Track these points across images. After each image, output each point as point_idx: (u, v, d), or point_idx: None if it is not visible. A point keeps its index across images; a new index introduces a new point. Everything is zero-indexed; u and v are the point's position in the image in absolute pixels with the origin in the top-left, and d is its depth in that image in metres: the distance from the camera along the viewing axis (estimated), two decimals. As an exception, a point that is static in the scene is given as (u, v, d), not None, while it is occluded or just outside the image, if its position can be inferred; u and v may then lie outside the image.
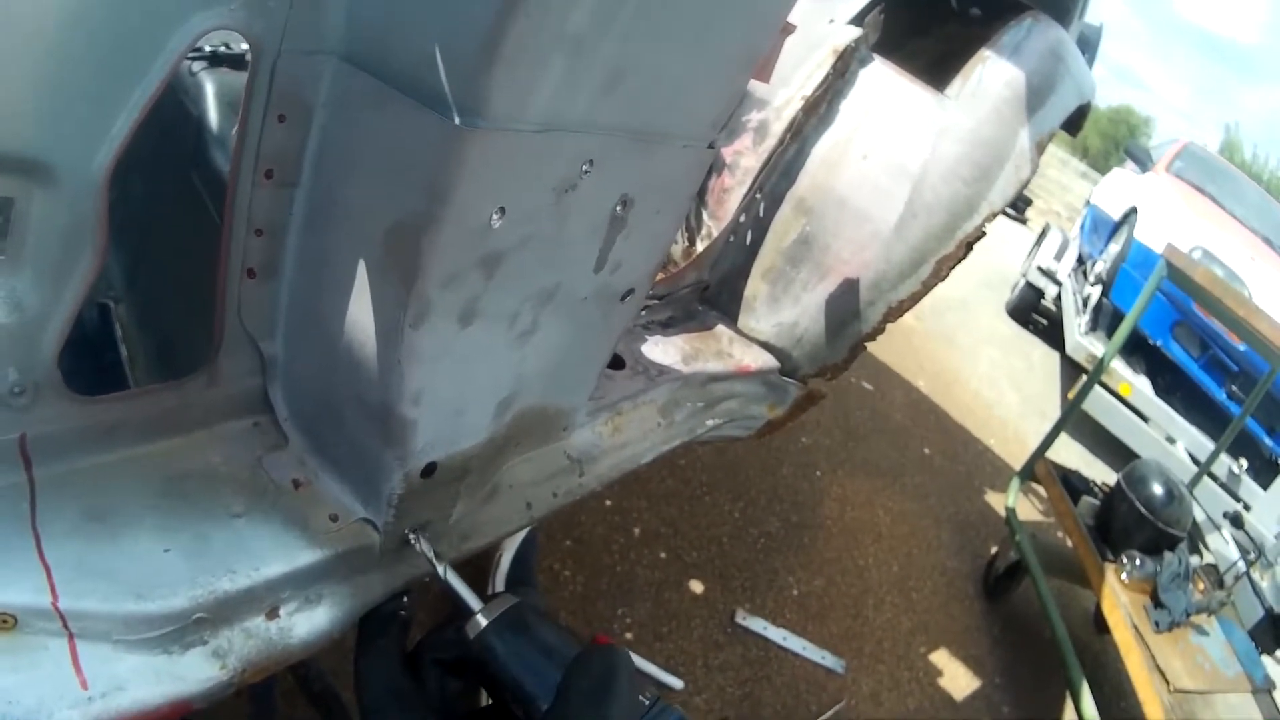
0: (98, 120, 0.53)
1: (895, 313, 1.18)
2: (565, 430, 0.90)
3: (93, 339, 0.93)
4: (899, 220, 1.14)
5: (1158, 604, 1.96)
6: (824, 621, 1.95)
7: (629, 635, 1.58)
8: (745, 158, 1.16)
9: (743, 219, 1.19)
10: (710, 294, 1.25)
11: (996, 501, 2.74)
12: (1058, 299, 5.24)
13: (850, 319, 1.19)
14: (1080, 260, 5.46)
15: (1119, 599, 1.94)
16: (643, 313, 1.11)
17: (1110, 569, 2.05)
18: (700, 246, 1.17)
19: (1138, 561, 2.05)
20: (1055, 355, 5.18)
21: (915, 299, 1.18)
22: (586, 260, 0.72)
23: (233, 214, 0.63)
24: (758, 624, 1.80)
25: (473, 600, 0.67)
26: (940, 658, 2.07)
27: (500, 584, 1.41)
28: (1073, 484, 2.44)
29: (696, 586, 1.81)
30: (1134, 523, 2.13)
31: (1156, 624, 1.90)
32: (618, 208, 0.70)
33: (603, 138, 0.64)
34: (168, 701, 0.60)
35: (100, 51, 0.50)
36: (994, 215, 1.14)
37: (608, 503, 1.83)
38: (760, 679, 1.69)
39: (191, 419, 0.69)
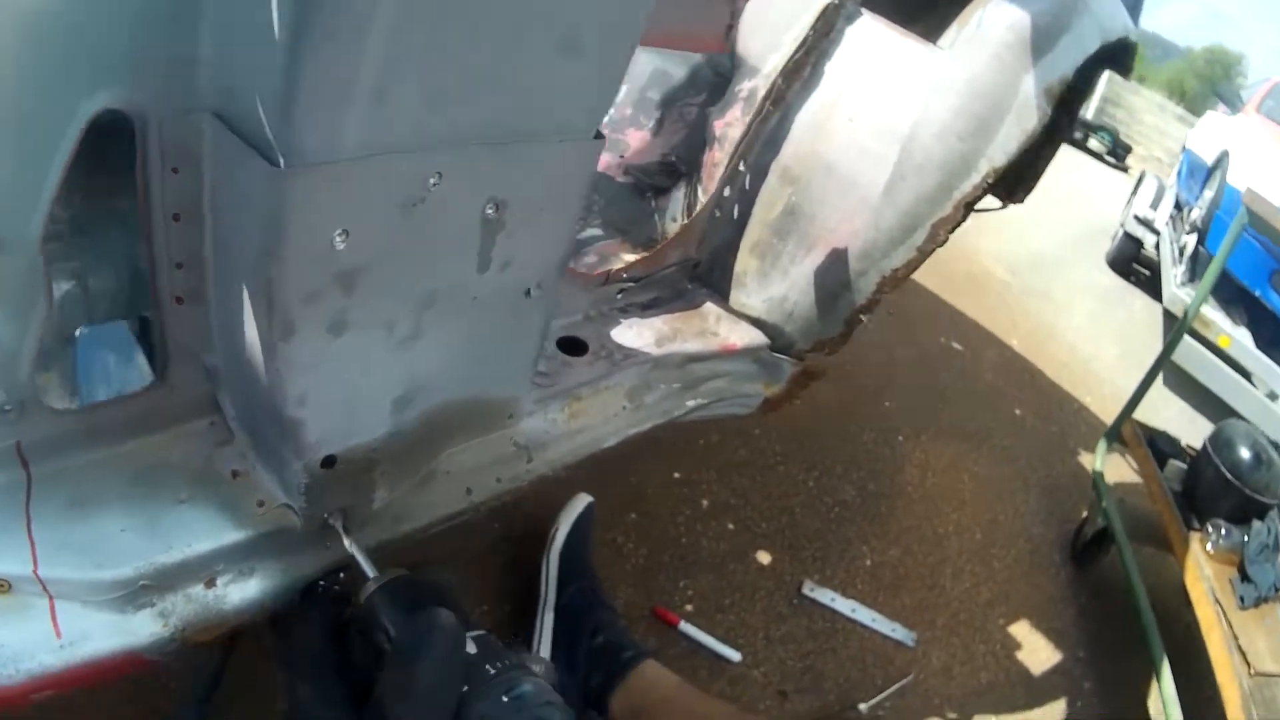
0: (27, 196, 0.65)
1: (890, 282, 1.12)
2: (511, 419, 0.96)
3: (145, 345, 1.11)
4: (887, 184, 1.08)
5: (1244, 577, 1.77)
6: (897, 593, 1.87)
7: (689, 608, 1.60)
8: (733, 129, 1.14)
9: (728, 192, 1.17)
10: (701, 271, 1.24)
11: (1090, 463, 2.52)
12: (1157, 248, 4.97)
13: (841, 291, 1.14)
14: (1177, 207, 5.18)
15: (1203, 571, 1.78)
16: (619, 296, 1.13)
17: (1195, 538, 1.88)
18: (685, 224, 1.17)
19: (1224, 531, 1.85)
20: (1157, 307, 4.75)
21: (912, 267, 1.11)
22: (464, 264, 0.76)
23: (153, 251, 0.74)
24: (825, 595, 1.75)
25: (370, 570, 0.76)
26: (1020, 630, 1.94)
27: (554, 558, 1.46)
28: (1159, 446, 2.24)
29: (764, 558, 1.78)
30: (1220, 489, 1.94)
31: (1241, 599, 1.71)
32: (488, 211, 0.74)
33: (448, 150, 0.68)
34: (122, 650, 0.74)
35: (17, 143, 0.61)
36: (997, 173, 1.05)
37: (675, 475, 1.85)
38: (824, 652, 1.65)
39: (157, 421, 0.82)
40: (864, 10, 1.13)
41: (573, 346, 1.05)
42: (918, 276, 3.31)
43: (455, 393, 0.86)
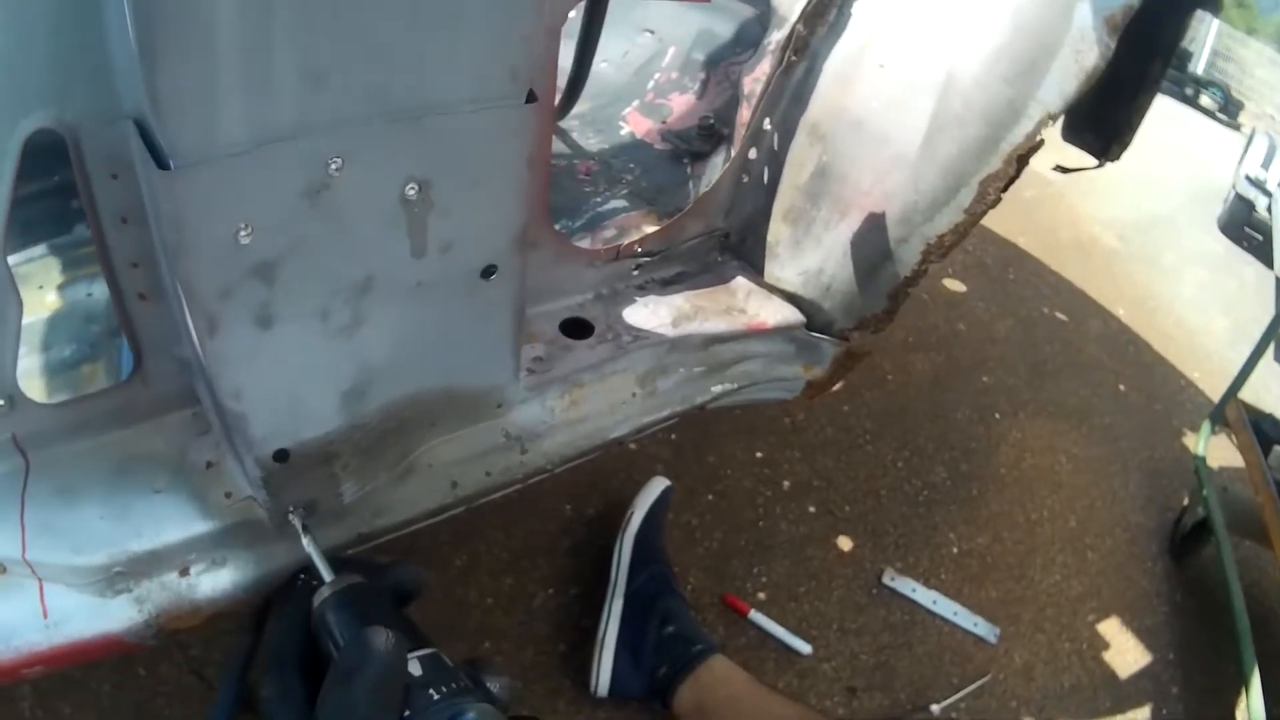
0: None
1: (937, 249, 0.96)
2: (500, 408, 0.91)
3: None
4: (925, 138, 0.92)
5: None
6: (982, 584, 1.73)
7: (761, 595, 1.53)
8: (760, 85, 1.02)
9: (754, 154, 1.05)
10: (733, 242, 1.13)
11: (1194, 445, 2.22)
12: (1270, 211, 4.62)
13: (881, 260, 0.99)
14: None
15: None
16: (635, 272, 1.04)
17: None
18: (704, 192, 1.06)
19: None
20: (1270, 275, 4.37)
21: (960, 232, 0.95)
22: (395, 249, 0.73)
23: (107, 253, 0.75)
24: (906, 585, 1.64)
25: (326, 573, 0.75)
26: (1109, 627, 1.77)
27: (628, 543, 1.43)
28: (1265, 431, 1.99)
29: (844, 543, 1.69)
30: None
31: None
32: (408, 192, 0.70)
33: (341, 132, 0.64)
34: (99, 634, 0.78)
35: None
36: (1053, 118, 0.87)
37: (758, 454, 1.77)
38: (899, 646, 1.54)
39: (139, 412, 0.84)
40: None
41: (577, 328, 0.98)
42: (1023, 243, 3.02)
43: (421, 382, 0.83)
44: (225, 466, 0.83)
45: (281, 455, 0.77)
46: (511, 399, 0.92)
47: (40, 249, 1.08)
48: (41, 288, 1.03)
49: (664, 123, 1.28)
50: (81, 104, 0.64)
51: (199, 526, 0.79)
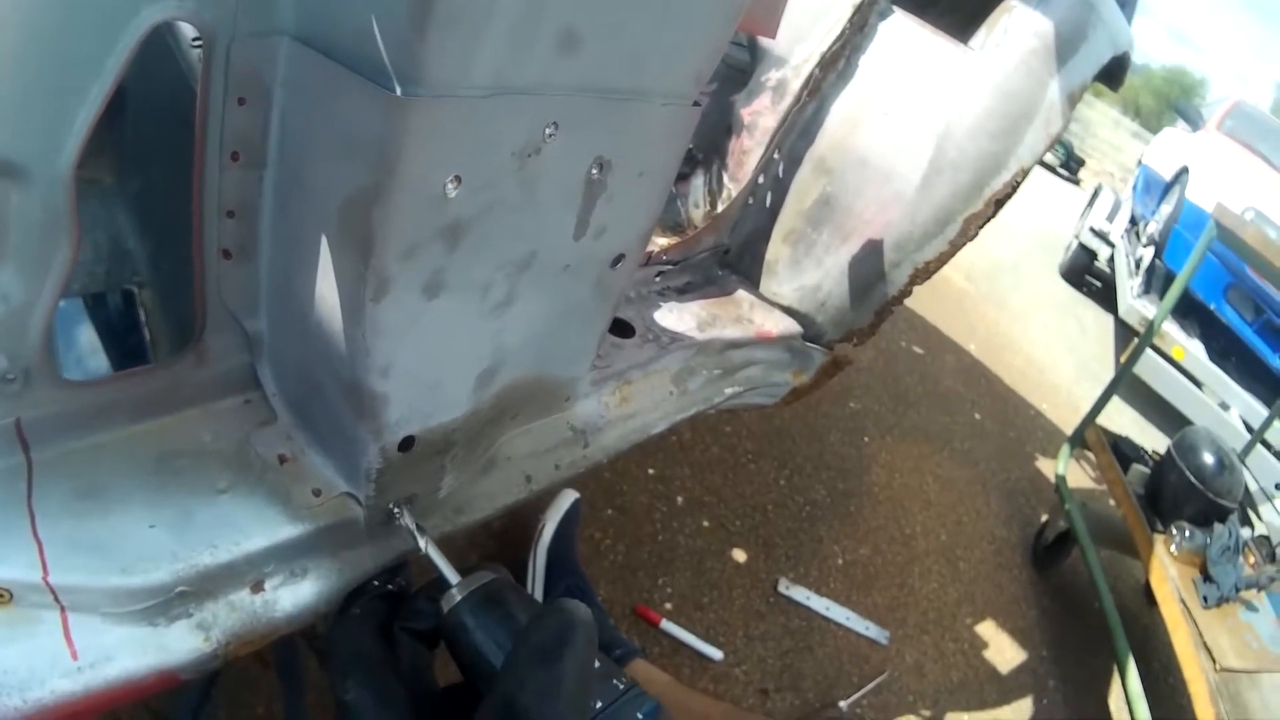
0: (60, 118, 0.51)
1: (922, 274, 1.10)
2: (568, 401, 0.86)
3: (117, 323, 0.95)
4: (923, 179, 1.06)
5: (1207, 578, 1.85)
6: (869, 591, 1.88)
7: (669, 605, 1.54)
8: (764, 117, 1.09)
9: (761, 180, 1.13)
10: (731, 258, 1.19)
11: (1048, 468, 2.63)
12: (1111, 260, 5.08)
13: (875, 281, 1.11)
14: (1133, 221, 5.29)
15: (1167, 572, 1.83)
16: (657, 279, 1.06)
17: (1159, 540, 1.93)
18: (721, 210, 1.11)
19: (1187, 533, 1.93)
20: (1109, 318, 4.99)
21: (943, 259, 1.09)
22: (563, 227, 0.67)
23: (201, 197, 0.61)
24: (800, 593, 1.74)
25: (451, 574, 0.64)
26: (986, 629, 1.99)
27: (542, 555, 1.39)
28: (1123, 451, 2.31)
29: (739, 555, 1.76)
30: (1184, 492, 2.01)
31: (1205, 599, 1.78)
32: (593, 171, 0.65)
33: (565, 99, 0.59)
34: (153, 671, 0.60)
35: (56, 51, 0.48)
36: (1024, 172, 1.05)
37: (650, 471, 1.80)
38: (802, 650, 1.63)
39: (183, 398, 0.68)
40: (895, 7, 1.11)
41: (619, 328, 0.96)
42: None
43: (529, 369, 0.77)
44: (305, 461, 0.70)
45: (407, 443, 0.66)
46: (579, 393, 0.87)
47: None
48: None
49: None
50: (227, 8, 0.53)
51: (284, 531, 0.65)
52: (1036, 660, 1.99)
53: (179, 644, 0.62)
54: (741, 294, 1.15)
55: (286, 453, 0.69)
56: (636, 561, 1.59)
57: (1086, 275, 5.64)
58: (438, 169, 0.55)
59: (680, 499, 1.78)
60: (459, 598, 0.63)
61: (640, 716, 0.57)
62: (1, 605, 0.57)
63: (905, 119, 1.07)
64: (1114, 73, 1.18)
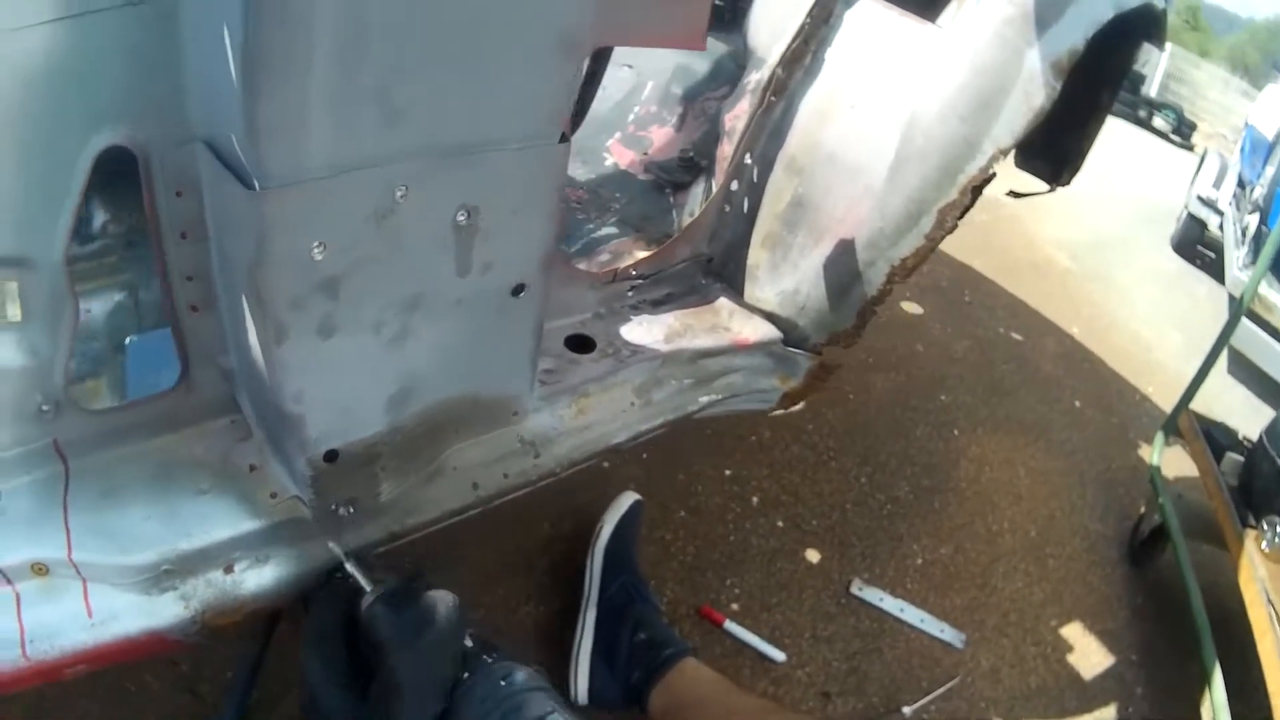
0: (49, 224, 0.71)
1: (900, 271, 1.07)
2: (515, 415, 0.97)
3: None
4: (890, 170, 1.04)
5: None
6: (947, 592, 1.78)
7: (735, 606, 1.57)
8: (741, 122, 1.12)
9: (736, 186, 1.15)
10: (715, 266, 1.22)
11: (1150, 455, 2.32)
12: (1221, 229, 4.53)
13: (851, 282, 1.10)
14: (1240, 185, 4.68)
15: (1256, 571, 1.62)
16: (630, 293, 1.12)
17: (1250, 536, 1.71)
18: (693, 219, 1.15)
19: (1279, 528, 1.67)
20: (1222, 292, 4.33)
21: (921, 255, 1.06)
22: (443, 268, 0.78)
23: (166, 266, 0.78)
24: (874, 594, 1.68)
25: (365, 583, 0.81)
26: (1072, 631, 1.82)
27: (599, 555, 1.45)
28: (1216, 439, 2.04)
29: (813, 555, 1.73)
30: (1276, 483, 1.75)
31: None
32: (459, 218, 0.76)
33: (407, 164, 0.71)
34: (144, 630, 0.80)
35: (36, 177, 0.68)
36: (1003, 153, 0.99)
37: (727, 471, 1.82)
38: (870, 652, 1.59)
39: (181, 419, 0.87)
40: (864, -7, 1.08)
41: (580, 344, 1.05)
42: (978, 265, 3.06)
43: (453, 390, 0.89)
44: (268, 469, 0.86)
45: (331, 455, 0.81)
46: (527, 407, 0.98)
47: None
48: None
49: (645, 154, 1.37)
50: (154, 124, 0.70)
51: (246, 525, 0.83)
52: (1124, 665, 1.81)
53: (165, 610, 0.81)
54: (722, 302, 1.19)
55: (256, 462, 0.86)
56: (706, 562, 1.63)
57: (1198, 246, 5.14)
58: (301, 239, 0.69)
59: (756, 499, 1.79)
60: (371, 599, 0.79)
61: (503, 682, 0.70)
62: (41, 576, 0.78)
63: (872, 109, 1.06)
64: (1147, 29, 1.07)
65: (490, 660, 0.73)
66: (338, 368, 0.77)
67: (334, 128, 0.64)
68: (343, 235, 0.70)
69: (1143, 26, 1.08)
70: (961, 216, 1.03)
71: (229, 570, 0.83)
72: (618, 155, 1.41)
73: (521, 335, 0.90)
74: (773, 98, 1.09)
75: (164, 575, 0.80)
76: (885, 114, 1.05)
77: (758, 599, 1.59)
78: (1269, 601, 1.54)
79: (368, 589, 0.80)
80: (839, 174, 1.08)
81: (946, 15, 1.03)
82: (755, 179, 1.15)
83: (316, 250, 0.69)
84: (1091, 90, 1.20)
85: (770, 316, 1.19)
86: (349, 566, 0.83)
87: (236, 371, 0.87)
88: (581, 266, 1.12)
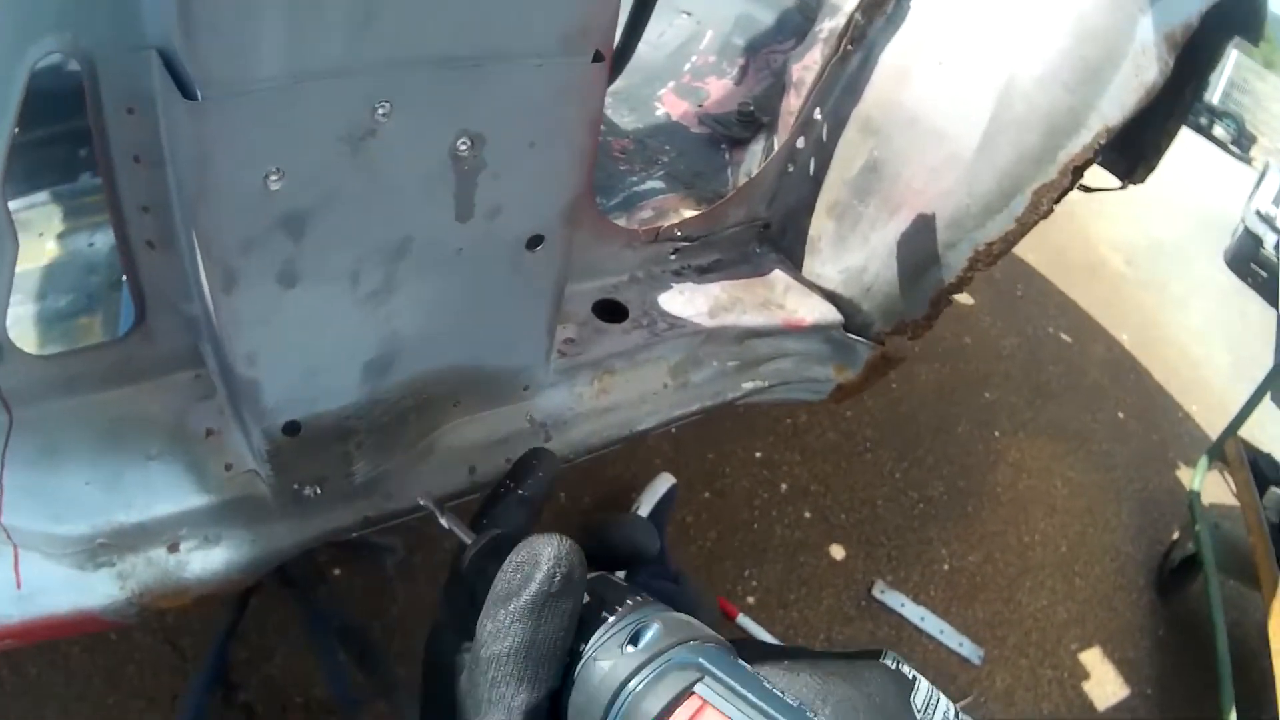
0: None
1: (984, 257, 0.91)
2: (526, 390, 0.84)
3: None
4: (982, 139, 0.87)
5: None
6: (971, 603, 1.72)
7: (751, 600, 1.49)
8: (811, 73, 0.96)
9: (802, 144, 0.99)
10: (772, 234, 1.06)
11: (1189, 478, 2.25)
12: (1277, 248, 4.63)
13: (928, 264, 0.94)
14: None
15: None
16: (673, 256, 0.97)
17: None
18: (751, 178, 0.99)
19: None
20: (1273, 314, 4.22)
21: (1009, 241, 0.89)
22: (439, 209, 0.65)
23: (116, 195, 0.66)
24: (896, 599, 1.62)
25: (464, 535, 0.64)
26: (1091, 657, 1.76)
27: None
28: (1263, 470, 1.95)
29: (837, 552, 1.67)
30: None
31: None
32: (459, 147, 0.62)
33: (391, 74, 0.56)
34: (76, 609, 0.70)
35: None
36: (1110, 132, 0.83)
37: (757, 454, 1.73)
38: None
39: (138, 371, 0.76)
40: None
41: (611, 311, 0.91)
42: (1032, 260, 2.96)
43: (449, 358, 0.76)
44: (228, 436, 0.75)
45: (292, 428, 0.69)
46: (540, 382, 0.84)
47: (43, 195, 0.99)
48: (41, 235, 0.96)
49: (700, 106, 1.21)
50: (101, 29, 0.56)
51: (194, 500, 0.71)
52: (1139, 698, 1.74)
53: (100, 588, 0.70)
54: (777, 275, 1.03)
55: (214, 427, 0.74)
56: (726, 550, 1.54)
57: (1252, 264, 5.07)
58: (252, 165, 0.57)
59: (784, 486, 1.70)
60: (470, 555, 0.60)
61: (623, 650, 0.46)
62: (-30, 538, 0.66)
63: (962, 68, 0.89)
64: (1248, 20, 0.96)
65: (612, 618, 0.48)
66: (301, 325, 0.64)
67: (289, 21, 0.50)
68: (307, 161, 0.56)
69: (1240, 18, 0.93)
70: (1058, 200, 0.86)
71: (173, 549, 0.72)
72: (670, 106, 1.25)
73: (537, 297, 0.76)
74: (849, 47, 0.92)
75: (100, 549, 0.69)
76: (978, 74, 0.88)
77: (775, 594, 1.52)
78: (1298, 654, 1.45)
79: (467, 541, 0.64)
80: (921, 139, 0.91)
81: (1050, -32, 0.85)
82: (824, 138, 0.98)
83: (273, 179, 0.55)
84: (1176, 85, 1.03)
85: (831, 296, 1.03)
86: (444, 521, 0.68)
87: (201, 321, 0.75)
88: (621, 223, 0.97)
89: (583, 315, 0.90)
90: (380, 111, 0.57)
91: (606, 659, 0.45)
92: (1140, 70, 0.86)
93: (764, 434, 1.79)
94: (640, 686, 0.43)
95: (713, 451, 1.70)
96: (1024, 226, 0.88)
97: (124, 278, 0.87)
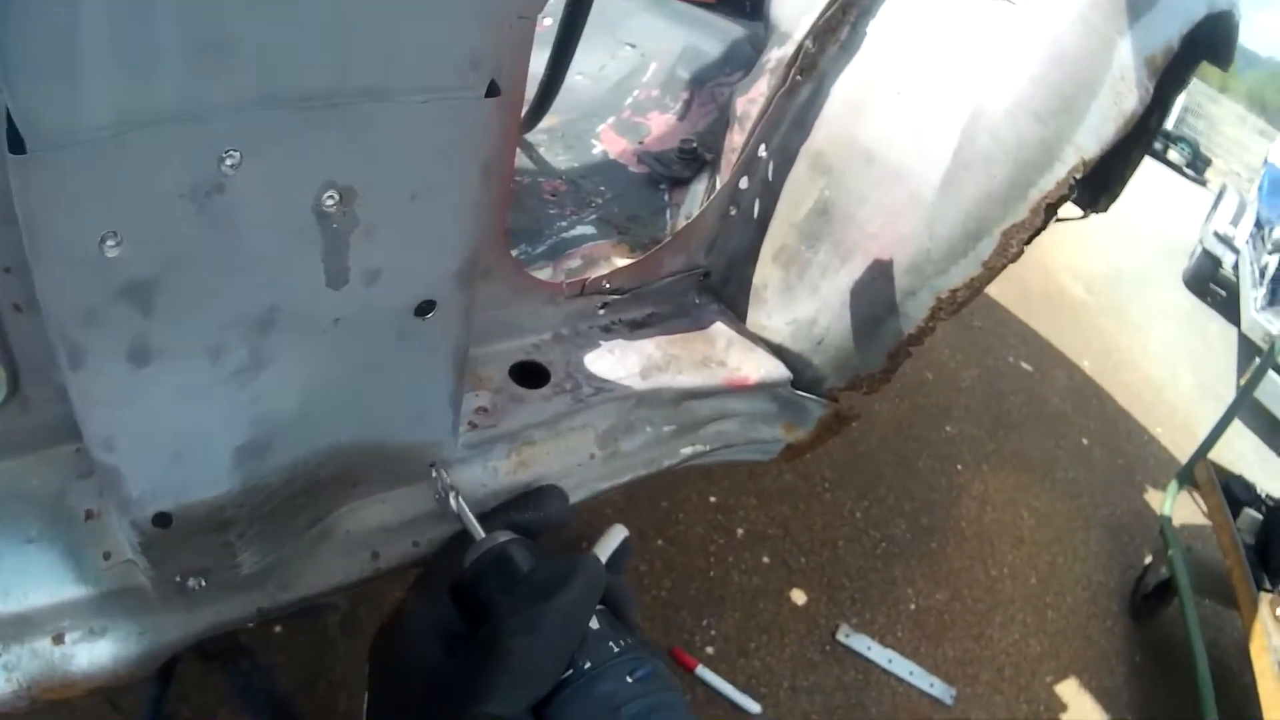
0: None
1: (948, 306, 0.83)
2: (435, 469, 0.75)
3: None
4: (945, 177, 0.80)
5: None
6: (940, 642, 1.66)
7: (710, 650, 1.43)
8: (756, 106, 0.89)
9: (745, 184, 0.91)
10: (714, 283, 0.99)
11: (1158, 501, 2.24)
12: (1236, 268, 4.67)
13: (885, 314, 0.86)
14: (1258, 225, 4.81)
15: (1270, 641, 1.57)
16: (601, 311, 0.90)
17: (1265, 601, 1.65)
18: (688, 223, 0.91)
19: None
20: (1233, 331, 4.44)
21: (975, 287, 0.82)
22: (306, 275, 0.58)
23: (-23, 254, 0.60)
24: (862, 643, 1.57)
25: (475, 529, 0.68)
26: (1067, 689, 1.71)
27: None
28: (1235, 493, 1.99)
29: (798, 597, 1.62)
30: None
31: None
32: (326, 201, 0.54)
33: (239, 118, 0.49)
34: None
35: None
36: (1087, 165, 0.76)
37: (712, 499, 1.68)
38: (853, 706, 1.47)
39: (16, 443, 0.69)
40: (917, -46, 0.84)
41: (532, 374, 0.83)
42: (990, 290, 2.92)
43: (338, 437, 0.68)
44: (107, 520, 0.68)
45: (162, 519, 0.62)
46: (448, 457, 0.77)
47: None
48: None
49: (640, 142, 1.15)
50: None
51: (73, 590, 0.65)
52: None
53: None
54: (719, 329, 0.96)
55: (94, 508, 0.68)
56: (682, 599, 1.49)
57: (1211, 284, 5.27)
58: (83, 227, 0.50)
59: (741, 531, 1.66)
60: (484, 549, 0.65)
61: (630, 679, 0.56)
62: None
63: (924, 99, 0.82)
64: (1218, 45, 0.90)
65: (616, 649, 0.58)
66: (160, 407, 0.57)
67: (114, 61, 0.43)
68: (145, 221, 0.48)
69: (1212, 41, 0.86)
70: (1029, 241, 0.78)
71: (58, 640, 0.65)
72: (608, 143, 1.17)
73: (433, 368, 0.69)
74: (798, 77, 0.85)
75: None
76: (940, 105, 0.82)
77: (735, 642, 1.46)
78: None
79: (477, 536, 0.67)
80: (877, 177, 0.85)
81: (1020, -12, 0.78)
82: (770, 177, 0.91)
83: (109, 243, 0.48)
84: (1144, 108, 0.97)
85: (778, 350, 0.96)
86: (454, 503, 0.70)
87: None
88: (545, 274, 0.90)
89: (498, 380, 0.82)
90: (228, 162, 0.49)
91: (609, 682, 0.55)
92: (1119, 98, 0.80)
93: (718, 479, 1.73)
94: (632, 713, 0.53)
95: (666, 498, 1.65)
96: (991, 271, 0.81)
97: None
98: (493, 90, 0.56)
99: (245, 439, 0.62)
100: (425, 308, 0.64)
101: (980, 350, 2.78)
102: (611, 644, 0.58)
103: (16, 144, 0.45)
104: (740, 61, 1.11)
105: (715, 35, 1.20)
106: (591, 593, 0.58)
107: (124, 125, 0.45)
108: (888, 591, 1.71)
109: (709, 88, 1.14)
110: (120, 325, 0.53)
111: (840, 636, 1.55)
